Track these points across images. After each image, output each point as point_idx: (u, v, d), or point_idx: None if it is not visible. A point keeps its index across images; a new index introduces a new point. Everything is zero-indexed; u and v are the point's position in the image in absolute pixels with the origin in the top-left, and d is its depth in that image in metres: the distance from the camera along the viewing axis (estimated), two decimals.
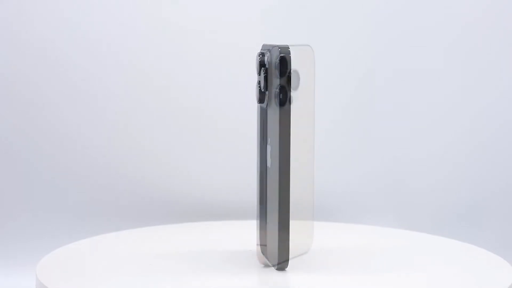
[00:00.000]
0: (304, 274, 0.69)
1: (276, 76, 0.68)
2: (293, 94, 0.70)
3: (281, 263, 0.68)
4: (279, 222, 0.68)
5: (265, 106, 0.69)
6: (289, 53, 0.69)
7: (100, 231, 0.88)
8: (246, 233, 0.74)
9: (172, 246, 0.80)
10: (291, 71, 0.69)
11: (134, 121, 1.04)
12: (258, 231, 0.70)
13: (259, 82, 0.69)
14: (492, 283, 0.68)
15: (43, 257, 0.74)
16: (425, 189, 1.06)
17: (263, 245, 0.69)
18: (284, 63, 0.68)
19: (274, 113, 0.68)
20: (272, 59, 0.68)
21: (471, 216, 1.05)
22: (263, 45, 0.70)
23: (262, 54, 0.69)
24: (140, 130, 1.04)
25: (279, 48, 0.68)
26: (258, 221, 0.70)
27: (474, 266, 0.74)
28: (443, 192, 1.06)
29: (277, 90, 0.68)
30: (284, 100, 0.69)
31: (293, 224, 0.71)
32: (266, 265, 0.69)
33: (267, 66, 0.69)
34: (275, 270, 0.69)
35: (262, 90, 0.69)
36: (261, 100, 0.69)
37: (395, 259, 0.75)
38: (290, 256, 0.71)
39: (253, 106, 0.71)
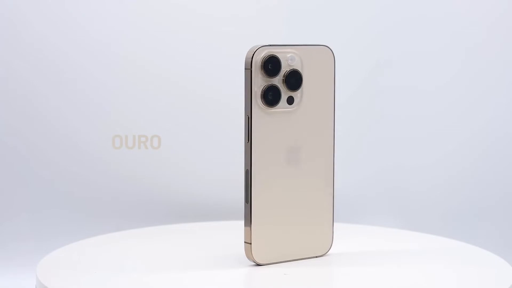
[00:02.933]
0: (300, 272, 0.69)
1: (263, 76, 0.68)
2: (297, 94, 0.69)
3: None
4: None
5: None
6: (278, 52, 0.68)
7: (100, 231, 0.88)
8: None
9: (172, 246, 0.80)
10: (289, 71, 0.69)
11: (133, 122, 1.04)
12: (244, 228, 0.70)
13: (270, 86, 0.69)
14: (492, 283, 0.68)
15: (43, 257, 0.74)
16: (426, 191, 1.06)
17: (248, 243, 0.69)
18: (272, 62, 0.68)
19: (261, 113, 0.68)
20: (258, 58, 0.68)
21: (471, 217, 1.05)
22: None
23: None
24: (139, 130, 1.04)
25: (267, 46, 0.68)
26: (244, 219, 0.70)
27: (474, 266, 0.74)
28: (444, 193, 1.06)
29: (263, 89, 0.68)
30: (274, 100, 0.68)
31: (308, 225, 0.71)
32: (255, 263, 0.70)
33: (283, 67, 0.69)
34: (262, 268, 0.69)
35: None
36: (273, 103, 0.69)
37: (394, 259, 0.75)
38: (301, 257, 0.71)
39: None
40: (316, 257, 0.72)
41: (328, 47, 0.71)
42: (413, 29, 1.05)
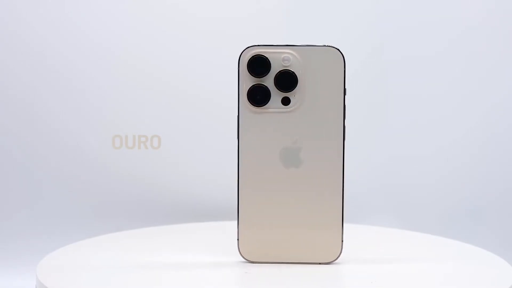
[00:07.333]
0: (296, 269, 0.69)
1: (251, 76, 0.68)
2: (293, 95, 0.69)
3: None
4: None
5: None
6: (269, 53, 0.68)
7: (100, 231, 0.88)
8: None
9: (171, 246, 0.80)
10: (281, 71, 0.69)
11: (133, 122, 1.04)
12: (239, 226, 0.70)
13: (258, 85, 0.69)
14: (492, 283, 0.68)
15: (43, 257, 0.74)
16: (426, 190, 1.06)
17: (237, 239, 0.70)
18: (260, 62, 0.68)
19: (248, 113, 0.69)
20: (246, 58, 0.68)
21: (472, 217, 1.05)
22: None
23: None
24: (139, 130, 1.04)
25: (256, 46, 0.68)
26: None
27: (474, 266, 0.74)
28: (444, 192, 1.06)
29: (249, 89, 0.68)
30: (262, 100, 0.68)
31: (309, 229, 0.71)
32: (245, 260, 0.71)
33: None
34: (256, 265, 0.70)
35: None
36: (260, 102, 0.69)
37: (394, 259, 0.75)
38: (303, 261, 0.71)
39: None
40: (320, 263, 0.71)
41: (337, 48, 0.69)
42: (416, 15, 1.05)
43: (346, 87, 0.69)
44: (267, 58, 0.68)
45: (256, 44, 0.68)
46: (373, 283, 0.66)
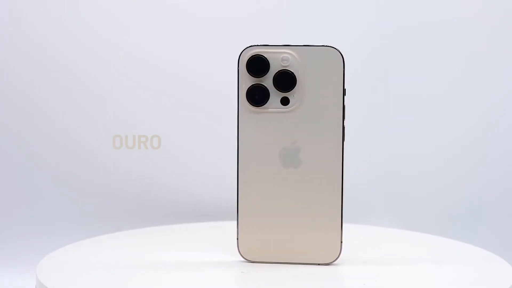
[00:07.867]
0: (295, 270, 0.69)
1: (250, 76, 0.68)
2: (292, 95, 0.69)
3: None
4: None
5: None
6: (269, 53, 0.68)
7: (100, 231, 0.88)
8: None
9: (171, 246, 0.80)
10: (280, 71, 0.69)
11: (133, 122, 1.05)
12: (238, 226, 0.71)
13: (258, 85, 0.69)
14: (492, 283, 0.68)
15: (43, 257, 0.75)
16: (426, 190, 1.06)
17: (237, 238, 0.71)
18: (258, 62, 0.68)
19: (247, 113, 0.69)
20: (245, 58, 0.68)
21: (472, 217, 1.05)
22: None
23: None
24: (139, 130, 1.04)
25: (256, 46, 0.68)
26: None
27: (475, 266, 0.74)
28: (444, 192, 1.06)
29: (248, 89, 0.68)
30: (261, 100, 0.68)
31: (308, 229, 0.70)
32: (244, 259, 0.71)
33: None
34: (255, 265, 0.70)
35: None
36: (259, 102, 0.69)
37: (394, 259, 0.75)
38: (302, 261, 0.70)
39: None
40: (319, 264, 0.71)
41: (335, 48, 0.69)
42: (417, 16, 1.05)
43: (345, 87, 0.69)
44: (266, 58, 0.68)
45: (256, 44, 0.68)
46: (365, 285, 0.66)
